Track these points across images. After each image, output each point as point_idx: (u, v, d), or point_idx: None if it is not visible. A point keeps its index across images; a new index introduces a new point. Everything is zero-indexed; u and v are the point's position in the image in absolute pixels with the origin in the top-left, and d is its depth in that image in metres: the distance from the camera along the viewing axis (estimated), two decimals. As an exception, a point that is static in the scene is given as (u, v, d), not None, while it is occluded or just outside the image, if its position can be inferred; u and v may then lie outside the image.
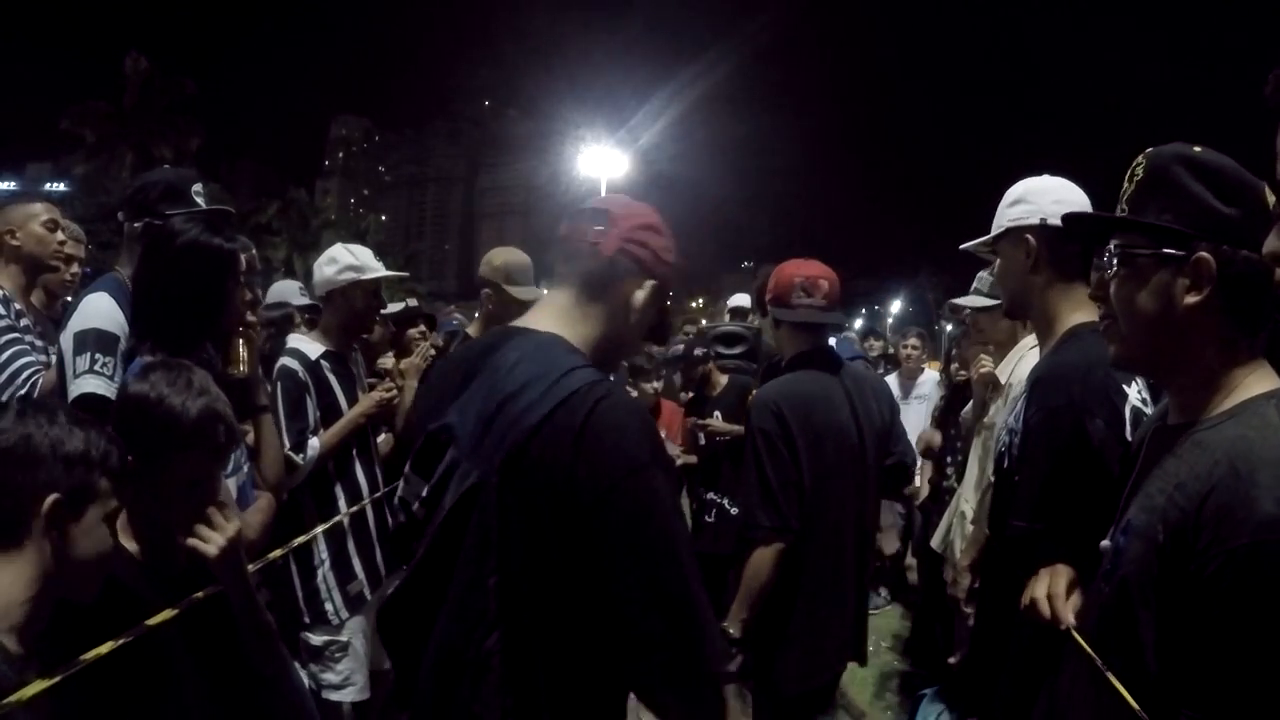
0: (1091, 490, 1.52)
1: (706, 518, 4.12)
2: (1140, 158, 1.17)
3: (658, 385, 4.61)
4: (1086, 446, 1.56)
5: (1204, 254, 1.06)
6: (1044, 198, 1.79)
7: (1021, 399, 1.77)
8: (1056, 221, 1.72)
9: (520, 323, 1.38)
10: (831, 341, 3.91)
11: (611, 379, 1.30)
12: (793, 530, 2.29)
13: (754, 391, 2.65)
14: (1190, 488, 1.01)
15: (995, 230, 1.86)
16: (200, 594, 1.56)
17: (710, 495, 4.12)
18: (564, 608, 1.18)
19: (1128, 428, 1.58)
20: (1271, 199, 1.09)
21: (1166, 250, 1.10)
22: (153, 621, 1.44)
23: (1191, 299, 1.07)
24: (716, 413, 4.12)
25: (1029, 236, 1.76)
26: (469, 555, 1.19)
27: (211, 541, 1.51)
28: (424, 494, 1.28)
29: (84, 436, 1.25)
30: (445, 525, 1.22)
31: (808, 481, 2.32)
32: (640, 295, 1.37)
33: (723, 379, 4.24)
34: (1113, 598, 1.12)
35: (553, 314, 1.36)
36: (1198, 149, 1.13)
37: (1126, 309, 1.16)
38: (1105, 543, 1.19)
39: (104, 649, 1.35)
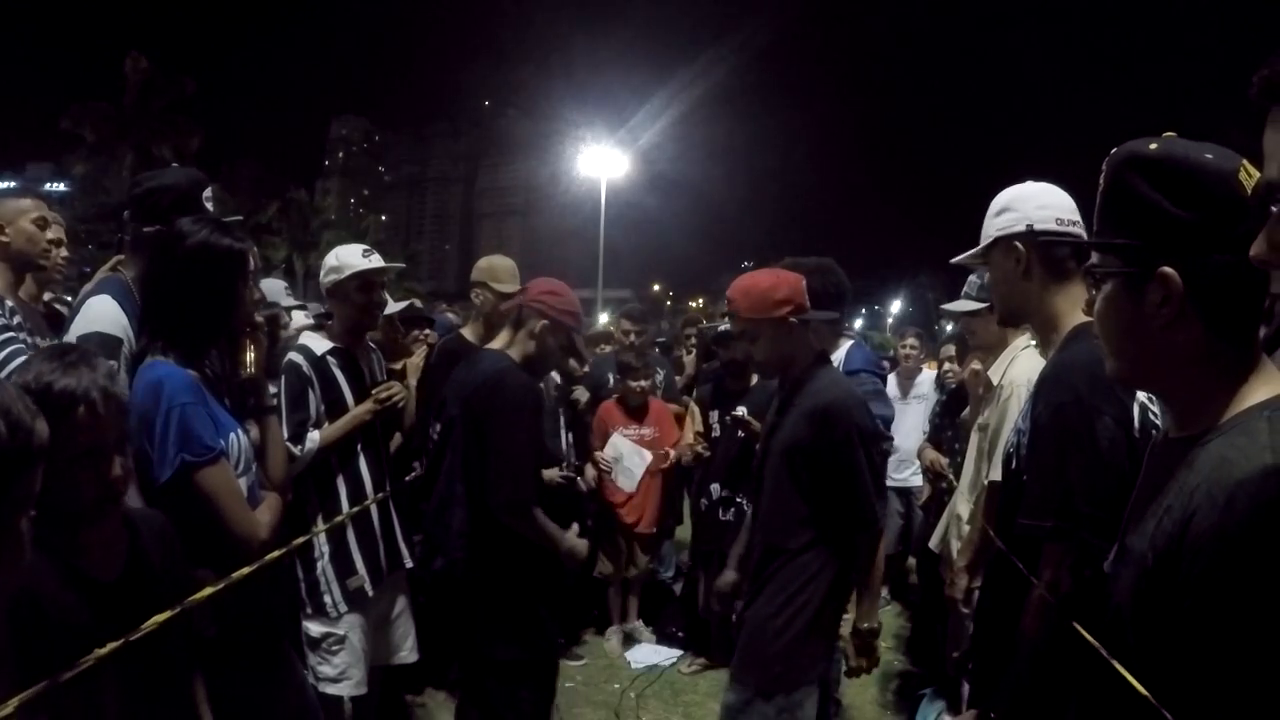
0: (1100, 487, 1.54)
1: (722, 515, 4.11)
2: (1105, 163, 1.10)
3: (645, 384, 4.63)
4: (1094, 444, 1.56)
5: (1167, 270, 0.99)
6: (1029, 204, 1.82)
7: (1029, 399, 1.78)
8: (1045, 225, 1.77)
9: (488, 346, 2.82)
10: (847, 346, 3.87)
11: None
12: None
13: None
14: (1176, 512, 0.96)
15: (984, 241, 1.89)
16: (162, 616, 1.56)
17: (725, 493, 4.11)
18: (477, 465, 2.58)
19: (1136, 425, 1.60)
20: (1249, 178, 0.98)
21: (1131, 270, 1.04)
22: (148, 624, 1.45)
23: (1164, 317, 1.01)
24: (742, 409, 3.98)
25: (1018, 244, 1.79)
26: (454, 446, 2.65)
27: None
28: (439, 429, 2.75)
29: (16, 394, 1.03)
30: (445, 436, 2.70)
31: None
32: (536, 328, 2.67)
33: (754, 375, 4.12)
34: (1109, 625, 1.10)
35: (500, 341, 2.77)
36: (1153, 145, 1.05)
37: (1104, 329, 1.12)
38: (1106, 566, 1.17)
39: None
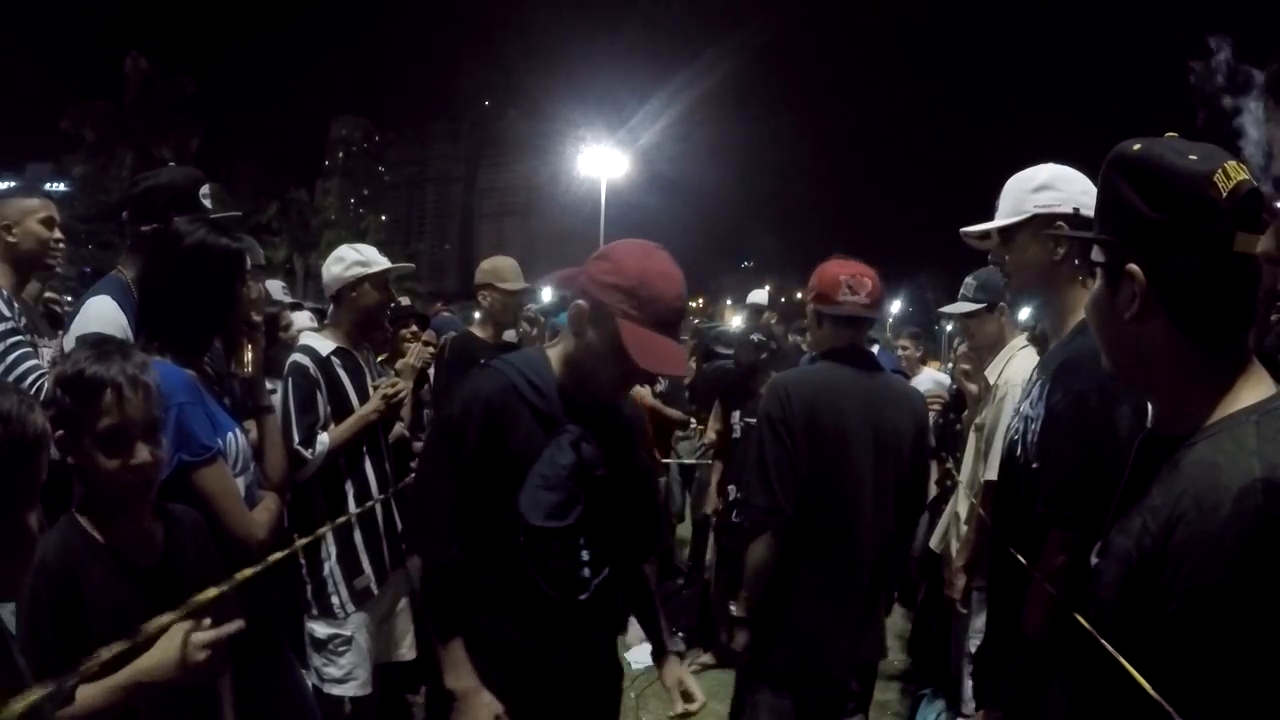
0: (1118, 477, 1.53)
1: (735, 516, 4.10)
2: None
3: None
4: (1113, 433, 1.55)
5: (1132, 267, 1.02)
6: (1073, 186, 1.72)
7: (1038, 385, 1.74)
8: (1089, 213, 1.59)
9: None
10: (875, 350, 3.85)
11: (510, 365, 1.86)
12: (785, 514, 2.30)
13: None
14: (1161, 514, 0.97)
15: (1016, 215, 1.74)
16: (212, 591, 1.56)
17: (741, 494, 4.11)
18: None
19: (1150, 417, 1.57)
20: (1227, 181, 0.99)
21: (1111, 266, 1.07)
22: (155, 623, 1.45)
23: (1131, 312, 1.04)
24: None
25: (1063, 225, 1.67)
26: None
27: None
28: None
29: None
30: None
31: (804, 469, 2.32)
32: (575, 313, 1.78)
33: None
34: (1094, 618, 1.10)
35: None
36: (1137, 146, 1.07)
37: (1090, 322, 1.15)
38: (1092, 560, 1.17)
39: (115, 648, 1.35)
